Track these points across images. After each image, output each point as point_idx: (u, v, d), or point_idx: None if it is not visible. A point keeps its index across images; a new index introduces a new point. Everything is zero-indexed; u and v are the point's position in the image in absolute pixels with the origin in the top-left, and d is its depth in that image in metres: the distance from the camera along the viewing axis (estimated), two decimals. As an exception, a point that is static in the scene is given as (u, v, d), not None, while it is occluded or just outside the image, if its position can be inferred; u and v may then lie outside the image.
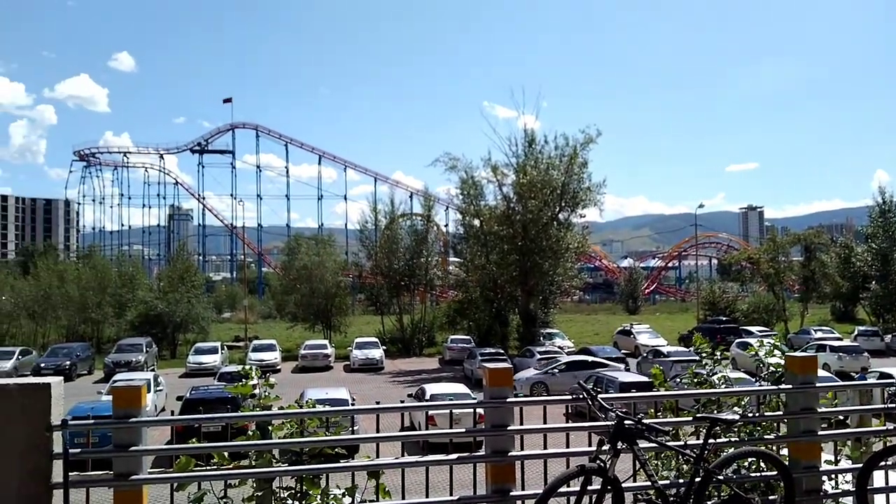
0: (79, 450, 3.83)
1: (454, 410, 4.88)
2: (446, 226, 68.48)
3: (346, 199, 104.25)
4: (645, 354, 34.33)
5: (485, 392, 4.46)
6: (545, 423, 4.65)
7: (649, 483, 4.12)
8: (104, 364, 35.05)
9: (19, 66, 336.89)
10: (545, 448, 4.52)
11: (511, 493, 4.27)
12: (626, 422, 4.09)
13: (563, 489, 4.05)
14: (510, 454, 4.33)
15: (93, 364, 37.39)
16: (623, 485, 4.11)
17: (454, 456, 4.33)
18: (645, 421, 4.20)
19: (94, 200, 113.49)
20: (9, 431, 3.70)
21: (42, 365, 33.49)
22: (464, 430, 4.72)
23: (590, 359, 30.09)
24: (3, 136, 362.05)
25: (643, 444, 4.21)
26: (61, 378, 4.02)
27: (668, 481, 4.52)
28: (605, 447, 4.05)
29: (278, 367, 35.62)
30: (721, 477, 4.28)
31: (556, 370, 27.72)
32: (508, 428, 4.35)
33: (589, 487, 4.06)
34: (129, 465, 3.84)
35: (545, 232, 39.16)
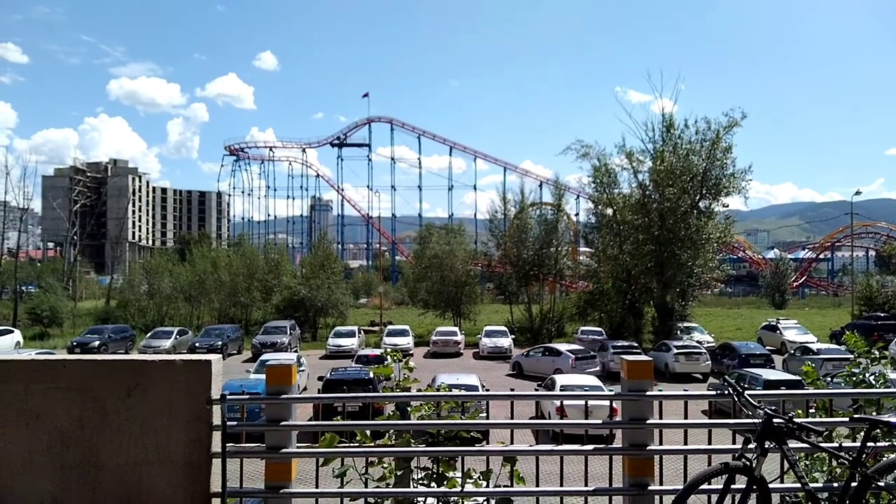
0: (235, 423, 4.12)
1: (585, 403, 4.80)
2: (577, 215, 67.40)
3: (475, 188, 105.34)
4: (792, 351, 32.22)
5: (623, 384, 4.35)
6: (686, 418, 4.48)
7: (798, 485, 3.87)
8: (252, 345, 37.46)
9: (175, 69, 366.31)
10: (685, 444, 4.36)
11: (649, 488, 4.15)
12: (776, 420, 3.86)
13: (704, 487, 3.89)
14: (649, 448, 4.21)
15: (242, 344, 40.06)
16: (769, 486, 3.89)
17: (590, 447, 4.27)
18: (796, 420, 3.94)
19: (242, 192, 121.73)
20: (175, 402, 4.03)
21: (197, 344, 36.30)
22: (601, 421, 4.63)
23: (563, 347, 31.59)
24: (161, 133, 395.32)
25: (793, 444, 3.96)
26: (220, 356, 4.34)
27: (819, 484, 4.23)
28: (752, 445, 3.85)
29: (411, 352, 36.63)
30: (881, 483, 3.94)
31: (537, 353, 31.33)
32: (648, 421, 4.23)
33: (733, 486, 3.88)
34: (280, 438, 4.09)
35: (684, 221, 37.49)
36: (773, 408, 3.99)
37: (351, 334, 39.50)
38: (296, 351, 36.47)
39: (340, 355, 35.35)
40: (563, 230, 49.90)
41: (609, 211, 41.81)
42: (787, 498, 4.25)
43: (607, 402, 5.45)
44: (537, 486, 4.34)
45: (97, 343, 36.71)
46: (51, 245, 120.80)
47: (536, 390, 20.25)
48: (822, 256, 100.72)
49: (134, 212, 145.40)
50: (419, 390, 4.60)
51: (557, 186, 51.42)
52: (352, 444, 4.17)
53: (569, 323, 47.10)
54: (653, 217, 38.12)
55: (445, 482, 4.07)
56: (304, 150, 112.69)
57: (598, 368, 29.02)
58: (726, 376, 4.87)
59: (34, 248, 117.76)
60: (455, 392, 4.56)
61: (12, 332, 41.07)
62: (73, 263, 72.77)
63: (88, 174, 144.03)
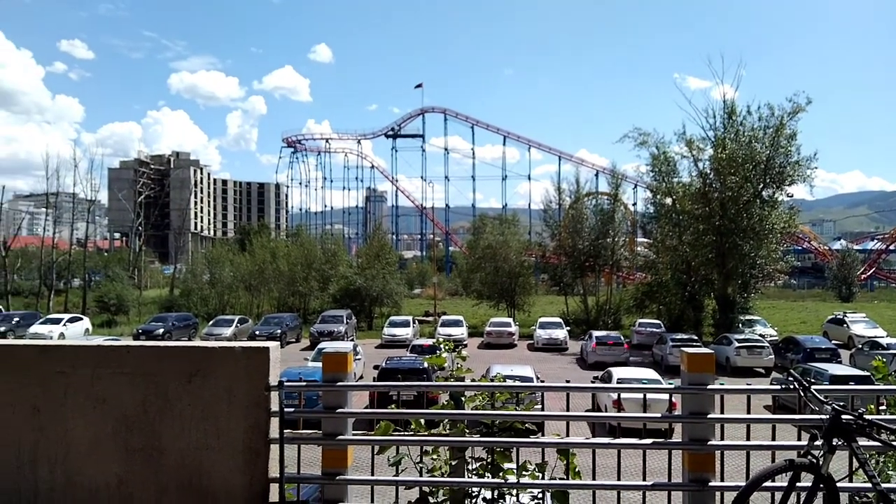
0: (292, 409, 4.18)
1: (643, 396, 4.70)
2: (634, 204, 66.16)
3: (529, 178, 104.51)
4: (860, 346, 31.00)
5: (683, 377, 4.24)
6: (748, 412, 4.34)
7: (869, 485, 3.70)
8: (310, 333, 38.14)
9: (233, 62, 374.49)
10: (748, 439, 4.22)
11: (710, 484, 4.04)
12: (845, 417, 3.70)
13: (768, 484, 3.76)
14: (710, 443, 4.09)
15: (300, 333, 40.82)
16: (837, 484, 3.73)
17: (649, 441, 4.17)
18: (867, 416, 3.77)
19: (300, 183, 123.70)
20: (235, 388, 4.11)
21: (256, 332, 37.16)
22: (660, 415, 4.53)
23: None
24: (221, 126, 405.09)
25: (863, 441, 3.79)
26: (278, 343, 4.41)
27: (892, 485, 4.04)
28: (818, 442, 3.70)
29: (465, 343, 36.68)
30: None
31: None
32: (709, 416, 4.11)
33: (798, 484, 3.73)
34: (337, 425, 4.13)
35: (746, 210, 36.36)
36: (840, 404, 3.83)
37: (405, 324, 39.83)
38: (352, 340, 36.97)
39: (395, 345, 35.68)
40: (620, 220, 49.12)
41: (668, 200, 40.86)
42: (857, 498, 4.08)
43: (666, 396, 5.34)
44: (594, 479, 4.27)
45: (161, 331, 37.97)
46: (117, 235, 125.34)
47: (593, 382, 20.02)
48: (891, 247, 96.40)
49: (196, 203, 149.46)
50: (473, 381, 4.58)
51: (614, 175, 50.60)
52: (407, 433, 4.18)
53: (626, 315, 46.40)
54: (714, 206, 37.10)
55: (500, 473, 4.04)
56: (359, 142, 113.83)
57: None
58: (791, 370, 4.69)
59: (101, 239, 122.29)
60: (509, 383, 4.52)
61: (82, 319, 42.90)
62: (139, 253, 75.38)
63: (152, 166, 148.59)
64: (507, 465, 4.10)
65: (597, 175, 70.77)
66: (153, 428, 4.11)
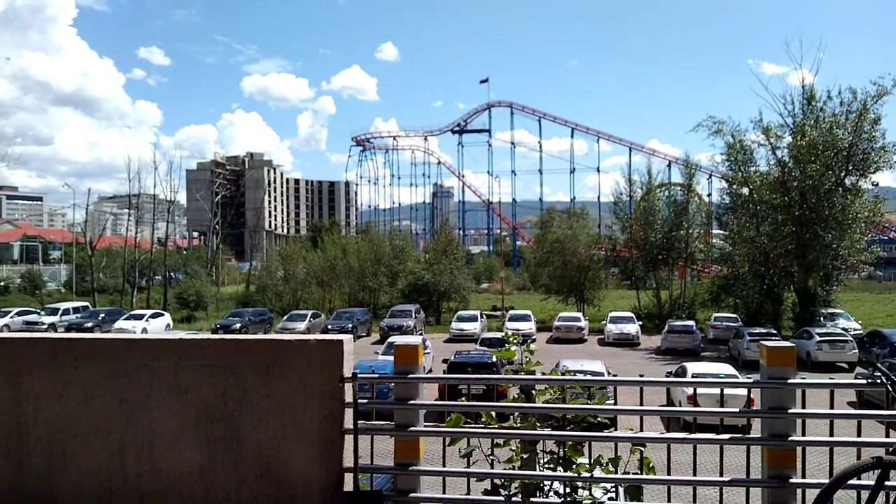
0: (365, 400, 4.25)
1: (720, 391, 4.56)
2: (709, 195, 64.30)
3: (598, 170, 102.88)
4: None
5: (762, 371, 4.10)
6: (832, 407, 4.17)
7: None
8: (380, 327, 38.74)
9: (303, 64, 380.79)
10: (831, 435, 4.05)
11: (791, 481, 3.89)
12: None
13: (853, 482, 3.60)
14: (791, 438, 3.94)
15: (370, 327, 41.48)
16: None
17: (726, 436, 4.06)
18: None
19: (368, 181, 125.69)
20: (310, 380, 4.21)
21: (329, 327, 37.96)
22: (737, 409, 4.40)
23: None
24: (292, 127, 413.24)
25: None
26: (351, 336, 4.49)
27: None
28: None
29: (534, 337, 36.51)
30: None
31: None
32: (790, 411, 3.96)
33: (886, 483, 3.56)
34: (409, 417, 4.18)
35: (828, 199, 34.82)
36: None
37: (473, 318, 39.93)
38: (420, 334, 37.32)
39: (463, 339, 35.81)
40: (693, 211, 47.87)
41: (745, 190, 39.52)
42: None
43: (743, 392, 5.17)
44: (668, 475, 4.19)
45: (238, 325, 39.25)
46: (195, 234, 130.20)
47: (667, 377, 19.58)
48: None
49: (270, 202, 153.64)
50: (543, 374, 4.55)
51: (687, 165, 49.32)
52: (477, 426, 4.20)
53: (701, 309, 45.19)
54: (793, 196, 35.68)
55: (573, 467, 4.00)
56: (425, 138, 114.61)
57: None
58: (878, 365, 4.47)
59: (181, 238, 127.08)
60: (581, 377, 4.47)
61: (163, 315, 44.82)
62: (216, 251, 78.14)
63: (228, 167, 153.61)
64: (579, 460, 4.06)
65: (669, 166, 68.96)
66: (233, 418, 4.25)
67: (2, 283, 64.12)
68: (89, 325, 39.41)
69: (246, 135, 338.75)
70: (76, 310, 44.74)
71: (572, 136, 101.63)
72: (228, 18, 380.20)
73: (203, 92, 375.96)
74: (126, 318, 41.13)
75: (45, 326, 39.06)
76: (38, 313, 43.69)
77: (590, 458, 4.06)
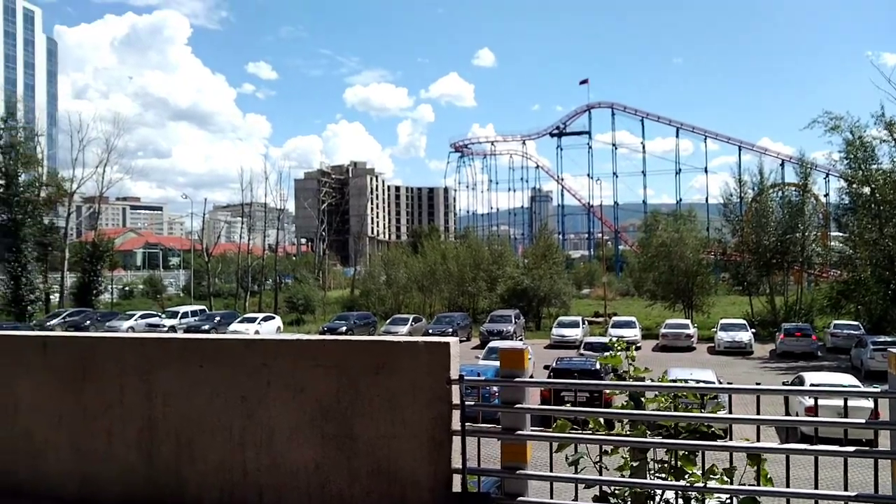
0: (472, 403, 4.30)
1: (844, 402, 4.31)
2: (826, 195, 60.65)
3: (706, 171, 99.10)
4: None
5: (891, 380, 3.84)
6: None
7: None
8: (479, 332, 38.84)
9: (403, 74, 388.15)
10: None
11: None
12: None
13: None
14: (926, 453, 3.67)
15: (470, 332, 41.67)
16: None
17: (851, 448, 3.82)
18: None
19: (467, 187, 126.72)
20: (418, 381, 4.30)
21: (430, 330, 38.40)
22: (864, 420, 4.14)
23: None
24: (393, 135, 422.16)
25: None
26: (457, 339, 4.56)
27: None
28: None
29: (639, 345, 35.55)
30: None
31: None
32: (925, 424, 3.69)
33: None
34: (515, 420, 4.19)
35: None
36: None
37: (575, 324, 39.34)
38: (520, 339, 37.14)
39: (564, 345, 35.34)
40: (810, 213, 45.19)
41: (866, 189, 36.93)
42: None
43: (868, 403, 4.84)
44: (787, 487, 3.98)
45: (344, 328, 40.42)
46: (303, 241, 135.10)
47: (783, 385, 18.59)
48: None
49: (372, 209, 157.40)
50: (652, 379, 4.44)
51: (802, 164, 46.62)
52: (585, 432, 4.15)
53: (819, 316, 42.57)
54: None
55: (685, 477, 3.89)
56: (523, 143, 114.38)
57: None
58: None
59: (290, 244, 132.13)
60: (692, 384, 4.34)
61: (274, 318, 46.82)
62: (322, 257, 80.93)
63: (333, 176, 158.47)
64: (692, 470, 3.94)
65: (782, 165, 65.48)
66: (346, 417, 4.40)
67: (126, 288, 68.89)
68: (206, 327, 41.64)
69: (349, 144, 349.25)
70: (194, 313, 47.43)
71: (677, 136, 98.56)
72: (332, 32, 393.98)
73: (309, 104, 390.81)
74: (240, 321, 43.24)
75: (165, 329, 41.60)
76: (160, 316, 46.65)
77: (703, 468, 3.94)
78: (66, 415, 5.16)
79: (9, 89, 73.98)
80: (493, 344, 27.41)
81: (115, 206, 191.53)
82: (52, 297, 53.11)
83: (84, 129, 54.77)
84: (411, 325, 40.62)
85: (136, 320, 43.63)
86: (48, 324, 41.29)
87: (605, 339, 29.03)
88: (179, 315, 45.91)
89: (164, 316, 46.62)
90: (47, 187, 52.83)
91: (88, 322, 43.02)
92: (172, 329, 41.54)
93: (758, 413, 4.22)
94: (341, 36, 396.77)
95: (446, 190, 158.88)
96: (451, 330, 37.90)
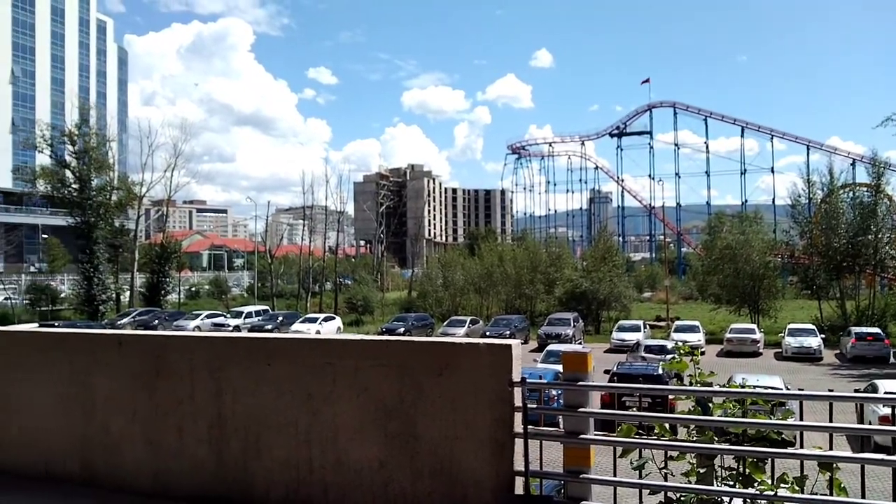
0: (534, 405, 4.29)
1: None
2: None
3: (772, 171, 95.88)
4: None
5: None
6: None
7: None
8: (537, 335, 38.55)
9: (460, 77, 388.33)
10: None
11: None
12: None
13: None
14: None
15: (527, 335, 41.39)
16: None
17: (937, 460, 3.65)
18: None
19: (524, 189, 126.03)
20: (480, 383, 4.32)
21: (487, 333, 38.34)
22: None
23: None
24: (449, 138, 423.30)
25: None
26: (519, 341, 4.56)
27: None
28: None
29: (702, 350, 34.67)
30: None
31: None
32: None
33: None
34: (578, 424, 4.16)
35: None
36: None
37: (635, 328, 38.68)
38: (579, 343, 36.74)
39: (625, 349, 34.75)
40: (883, 214, 43.25)
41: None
42: None
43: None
44: (863, 498, 3.84)
45: (402, 329, 40.75)
46: (362, 243, 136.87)
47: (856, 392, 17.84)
48: None
49: (429, 211, 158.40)
50: (719, 386, 4.35)
51: (875, 164, 44.65)
52: (650, 437, 4.10)
53: (892, 321, 40.76)
54: None
55: (754, 485, 3.79)
56: (582, 143, 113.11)
57: None
58: None
59: (349, 246, 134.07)
60: (761, 390, 4.23)
61: (334, 318, 47.60)
62: (381, 259, 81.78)
63: (391, 179, 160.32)
64: (761, 477, 3.84)
65: (853, 164, 63.02)
66: (408, 416, 4.45)
67: (193, 288, 71.04)
68: (269, 327, 42.61)
69: (407, 147, 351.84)
70: (257, 313, 48.59)
71: (742, 136, 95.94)
72: (391, 36, 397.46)
73: (367, 107, 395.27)
74: (301, 321, 44.10)
75: (230, 328, 42.75)
76: (225, 316, 47.98)
77: (772, 476, 3.84)
78: (140, 410, 5.36)
79: (82, 97, 77.15)
80: (551, 347, 27.21)
81: (182, 209, 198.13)
82: (122, 296, 55.22)
83: (153, 135, 57.24)
84: (468, 327, 40.64)
85: (202, 320, 44.96)
86: (118, 323, 42.95)
87: (662, 343, 28.53)
88: (244, 315, 47.10)
89: (228, 316, 47.93)
90: (118, 191, 54.94)
91: (157, 321, 44.60)
92: (237, 328, 42.65)
93: (830, 421, 4.09)
94: (399, 40, 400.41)
95: (503, 192, 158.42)
96: (508, 332, 37.74)
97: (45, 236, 72.70)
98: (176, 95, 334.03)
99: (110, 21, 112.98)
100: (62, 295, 56.34)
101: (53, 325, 35.06)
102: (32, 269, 71.85)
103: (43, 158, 57.49)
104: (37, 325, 37.06)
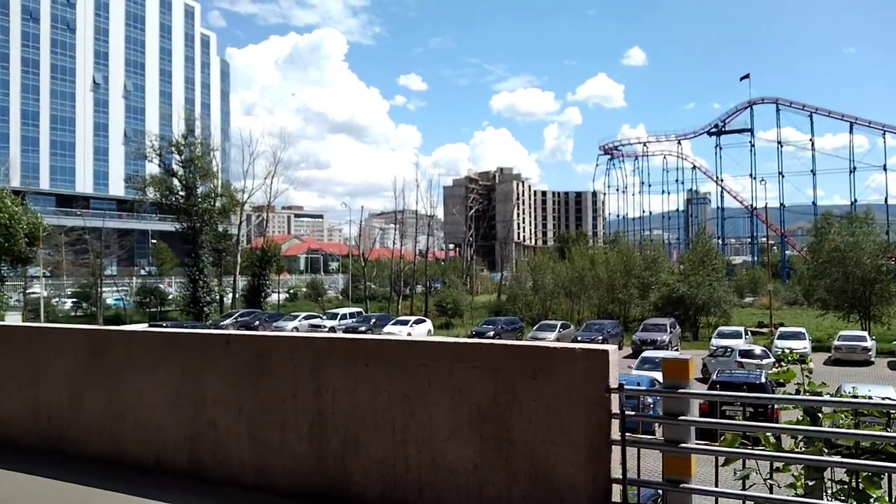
0: (632, 412, 4.21)
1: None
2: None
3: (884, 168, 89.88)
4: None
5: None
6: None
7: None
8: (631, 341, 37.65)
9: (549, 78, 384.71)
10: None
11: None
12: None
13: None
14: None
15: (621, 340, 40.45)
16: None
17: None
18: None
19: (617, 190, 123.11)
20: (575, 388, 4.28)
21: (578, 338, 37.72)
22: None
23: None
24: (539, 140, 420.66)
25: None
26: (616, 346, 4.49)
27: None
28: None
29: (809, 357, 32.78)
30: None
31: None
32: None
33: None
34: (679, 432, 4.05)
35: None
36: None
37: (736, 335, 37.09)
38: (676, 349, 35.63)
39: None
40: None
41: None
42: None
43: None
44: None
45: (492, 333, 40.75)
46: (451, 246, 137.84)
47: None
48: None
49: (518, 214, 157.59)
50: (829, 394, 4.14)
51: None
52: (754, 448, 3.94)
53: None
54: None
55: (869, 501, 3.58)
56: (678, 143, 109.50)
57: None
58: None
59: (439, 250, 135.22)
60: (878, 400, 3.98)
61: (425, 321, 48.19)
62: (470, 262, 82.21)
63: (480, 182, 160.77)
64: (877, 493, 3.63)
65: (980, 160, 58.19)
66: (503, 419, 4.47)
67: (291, 291, 73.60)
68: (362, 328, 43.61)
69: (495, 150, 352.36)
70: (352, 315, 49.88)
71: (851, 132, 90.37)
72: (479, 41, 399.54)
73: (456, 112, 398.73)
74: (393, 324, 44.90)
75: (326, 329, 44.00)
76: (321, 317, 49.51)
77: (889, 493, 3.62)
78: (246, 407, 5.62)
79: (188, 109, 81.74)
80: (646, 353, 26.55)
81: (281, 215, 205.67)
82: (225, 298, 57.92)
83: (253, 144, 59.95)
84: (559, 331, 40.17)
85: (300, 321, 46.57)
86: (222, 323, 45.07)
87: (758, 348, 27.34)
88: (339, 317, 48.46)
89: (325, 317, 49.41)
90: (222, 198, 57.75)
91: (257, 322, 46.52)
92: (332, 330, 43.86)
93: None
94: (488, 44, 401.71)
95: (594, 194, 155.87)
96: (601, 338, 37.07)
97: (154, 241, 77.32)
98: (274, 105, 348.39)
99: (213, 35, 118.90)
100: (169, 297, 59.76)
101: (162, 326, 37.19)
102: (142, 272, 76.66)
103: (152, 167, 61.23)
104: (146, 325, 39.43)
